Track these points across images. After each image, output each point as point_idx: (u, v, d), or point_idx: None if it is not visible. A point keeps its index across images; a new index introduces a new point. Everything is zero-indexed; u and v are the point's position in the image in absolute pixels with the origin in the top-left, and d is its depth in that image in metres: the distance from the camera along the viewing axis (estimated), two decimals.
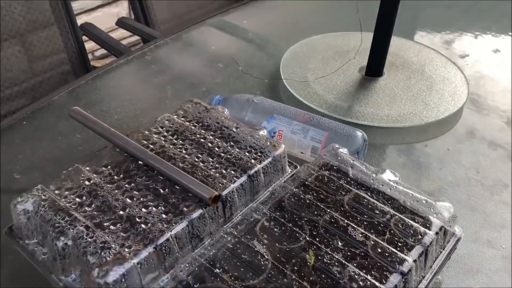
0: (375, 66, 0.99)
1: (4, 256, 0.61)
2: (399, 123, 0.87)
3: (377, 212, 0.56)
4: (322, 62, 1.05)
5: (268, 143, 0.64)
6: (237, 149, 0.63)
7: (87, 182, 0.57)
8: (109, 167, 0.59)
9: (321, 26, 1.21)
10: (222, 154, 0.62)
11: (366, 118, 0.87)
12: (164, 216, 0.53)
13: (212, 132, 0.66)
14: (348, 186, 0.60)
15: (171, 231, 0.51)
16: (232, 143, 0.64)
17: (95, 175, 0.58)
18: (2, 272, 0.61)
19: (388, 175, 0.61)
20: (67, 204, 0.54)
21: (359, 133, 0.74)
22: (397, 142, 0.86)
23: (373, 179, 0.61)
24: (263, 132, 0.66)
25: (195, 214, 0.53)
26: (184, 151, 0.62)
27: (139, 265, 0.49)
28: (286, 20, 1.28)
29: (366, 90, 0.97)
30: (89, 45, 1.38)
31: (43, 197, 0.55)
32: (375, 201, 0.58)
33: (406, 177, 0.76)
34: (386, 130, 0.87)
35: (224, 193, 0.57)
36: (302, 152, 0.75)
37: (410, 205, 0.58)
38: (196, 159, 0.61)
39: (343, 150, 0.65)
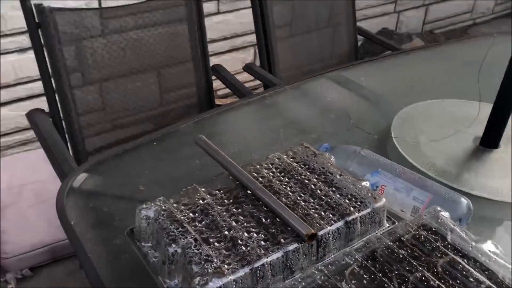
0: (491, 138, 0.97)
1: (121, 254, 0.70)
2: (510, 198, 0.84)
3: (471, 280, 0.56)
4: (435, 127, 1.05)
5: (370, 194, 0.67)
6: (338, 195, 0.66)
7: (201, 201, 0.64)
8: (222, 191, 0.66)
9: (438, 92, 1.21)
10: (323, 197, 0.66)
11: (475, 188, 0.85)
12: (262, 243, 0.58)
13: (316, 176, 0.70)
14: (444, 249, 0.60)
15: (267, 258, 0.56)
16: (334, 188, 0.68)
17: (209, 196, 0.65)
18: (117, 267, 0.70)
19: (489, 246, 0.60)
20: (182, 217, 0.62)
21: (464, 201, 0.73)
22: (505, 217, 0.83)
23: (471, 247, 0.60)
24: (366, 184, 0.69)
25: (291, 247, 0.58)
26: (288, 188, 0.67)
27: (234, 282, 0.54)
28: (403, 81, 1.30)
29: (478, 160, 0.95)
30: (214, 84, 1.53)
31: (163, 207, 0.63)
32: (470, 269, 0.57)
33: (508, 255, 0.73)
34: (495, 203, 0.84)
35: (320, 233, 0.60)
36: (402, 210, 0.76)
37: (509, 281, 0.56)
38: (299, 198, 0.66)
39: (445, 214, 0.65)
